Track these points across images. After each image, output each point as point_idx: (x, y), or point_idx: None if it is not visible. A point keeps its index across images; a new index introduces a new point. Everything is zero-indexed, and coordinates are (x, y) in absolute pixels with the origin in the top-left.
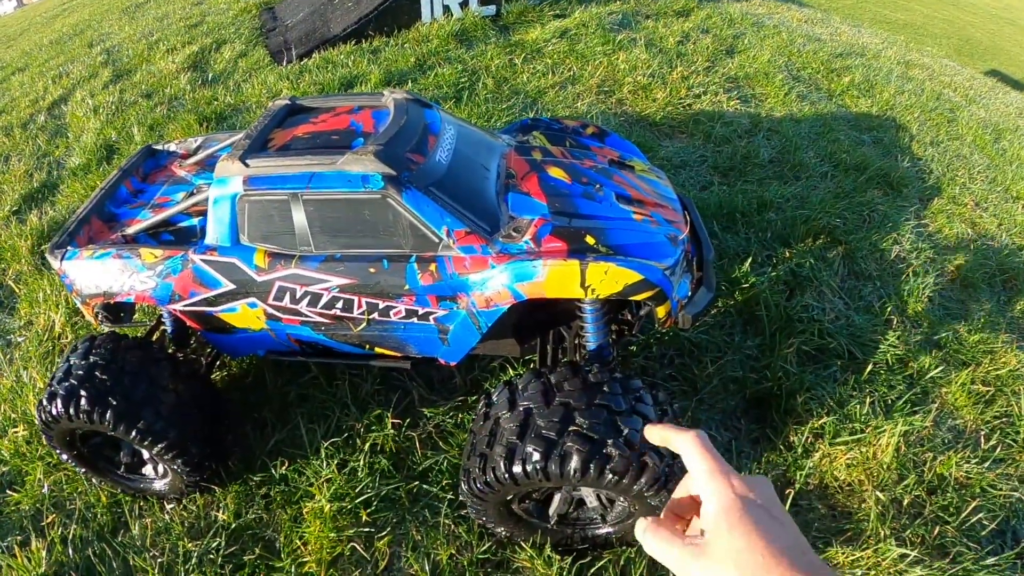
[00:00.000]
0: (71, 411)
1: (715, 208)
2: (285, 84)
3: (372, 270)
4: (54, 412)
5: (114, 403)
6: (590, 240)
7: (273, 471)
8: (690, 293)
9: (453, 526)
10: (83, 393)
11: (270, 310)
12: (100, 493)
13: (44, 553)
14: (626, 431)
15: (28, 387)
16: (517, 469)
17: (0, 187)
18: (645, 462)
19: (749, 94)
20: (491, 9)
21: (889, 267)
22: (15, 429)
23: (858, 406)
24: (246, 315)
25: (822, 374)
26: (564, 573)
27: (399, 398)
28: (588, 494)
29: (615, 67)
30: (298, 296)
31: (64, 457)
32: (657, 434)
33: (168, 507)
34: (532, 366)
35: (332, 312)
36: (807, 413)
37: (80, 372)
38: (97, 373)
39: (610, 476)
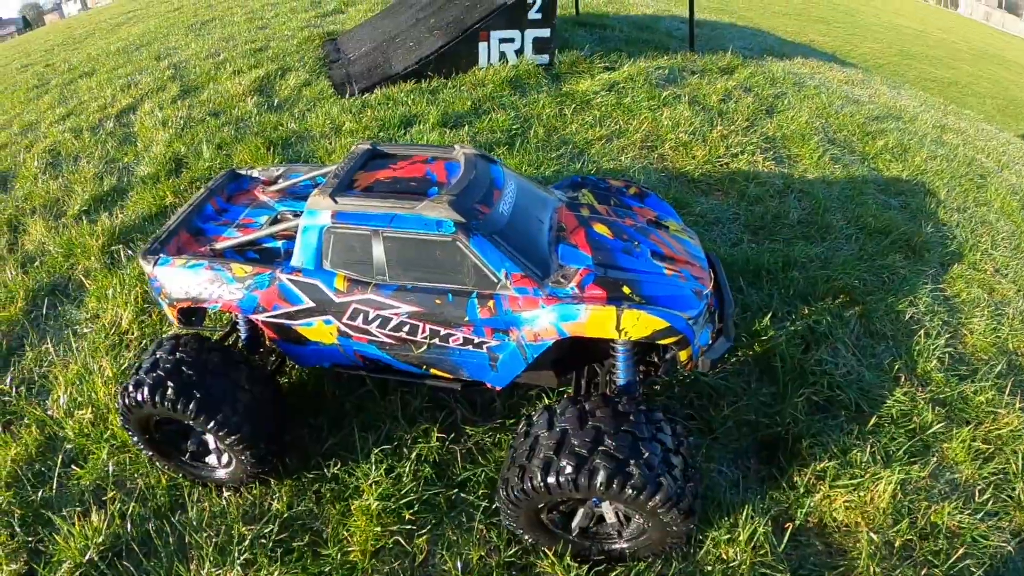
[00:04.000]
0: (157, 399)
1: (742, 265)
2: (348, 117)
3: (438, 301)
4: (139, 398)
5: (198, 396)
6: (626, 290)
7: (326, 470)
8: (710, 341)
9: (485, 531)
10: (170, 385)
11: (343, 328)
12: (161, 476)
13: (104, 524)
14: (647, 454)
15: (96, 375)
16: (551, 480)
17: (72, 186)
18: (660, 482)
19: (784, 155)
20: (544, 58)
21: (903, 328)
22: (81, 412)
23: (859, 454)
24: (320, 330)
25: (829, 423)
26: None
27: (444, 416)
28: (608, 511)
29: (659, 123)
30: (370, 318)
31: (135, 440)
32: None
33: (225, 494)
34: (566, 396)
35: (399, 334)
36: (811, 457)
37: (168, 366)
38: (184, 368)
39: (630, 491)
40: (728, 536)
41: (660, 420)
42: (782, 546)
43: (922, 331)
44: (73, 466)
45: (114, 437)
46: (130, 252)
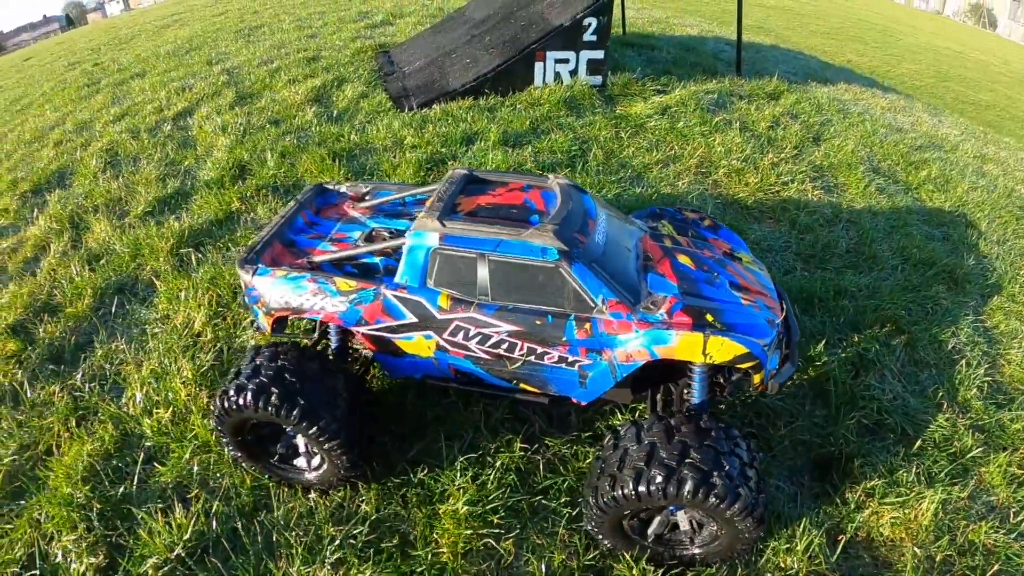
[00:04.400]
0: (260, 404)
1: (796, 292)
2: (409, 131)
3: (538, 322)
4: (240, 403)
5: (301, 403)
6: (709, 318)
7: (412, 476)
8: (778, 366)
9: (567, 536)
10: (274, 391)
11: (442, 343)
12: (245, 476)
13: (189, 522)
14: (727, 467)
15: (174, 375)
16: (642, 488)
17: (134, 187)
18: (739, 492)
19: (832, 184)
20: (598, 79)
21: (946, 357)
22: (159, 411)
23: (905, 474)
24: (420, 344)
25: (877, 444)
26: None
27: (525, 428)
28: (683, 518)
29: (711, 148)
30: (471, 335)
31: (225, 441)
32: None
33: (311, 496)
34: (637, 413)
35: (496, 351)
36: (861, 475)
37: (271, 372)
38: (286, 375)
39: (713, 500)
40: (787, 546)
41: (737, 436)
42: (835, 556)
43: (963, 360)
44: (154, 464)
45: (196, 437)
46: (200, 256)
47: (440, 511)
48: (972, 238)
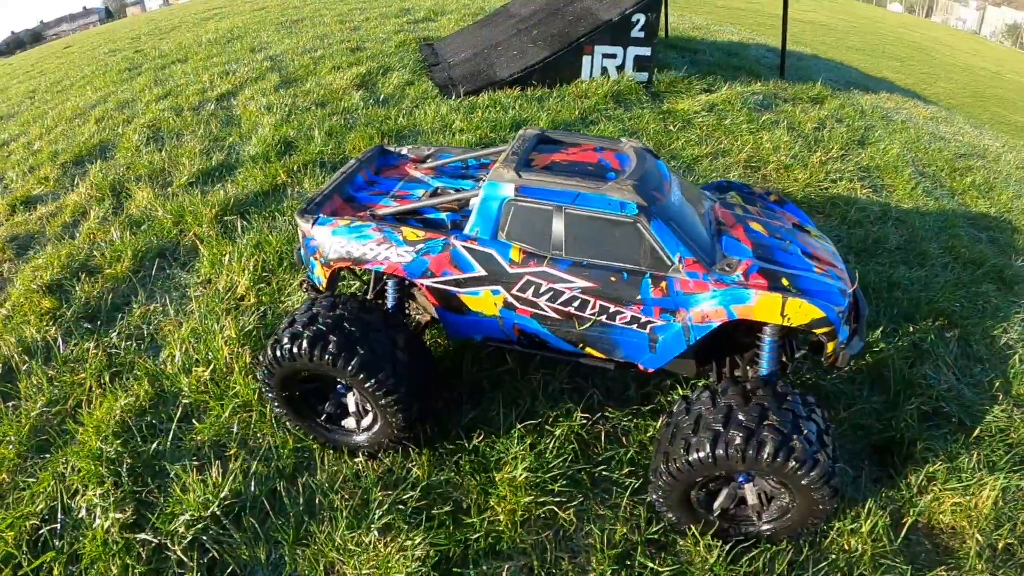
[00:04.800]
0: (316, 353)
1: None
2: (457, 116)
3: (613, 279)
4: (295, 351)
5: (361, 352)
6: (785, 282)
7: (466, 442)
8: (847, 340)
9: (629, 508)
10: (333, 339)
11: (511, 299)
12: (288, 437)
13: (226, 481)
14: (806, 431)
15: (217, 333)
16: (720, 451)
17: (178, 159)
18: (818, 458)
19: (880, 184)
20: (644, 76)
21: (998, 352)
22: (199, 368)
23: (966, 460)
24: (486, 300)
25: (936, 432)
26: (721, 559)
27: (584, 399)
28: (751, 492)
29: (760, 145)
30: (542, 291)
31: (271, 396)
32: None
33: (357, 460)
34: (724, 379)
35: (567, 309)
36: (923, 460)
37: (328, 321)
38: (346, 324)
39: (793, 464)
40: (852, 526)
41: (813, 403)
42: (898, 540)
43: (1015, 356)
44: (192, 421)
45: (236, 396)
46: (245, 223)
47: (496, 479)
48: (1019, 243)
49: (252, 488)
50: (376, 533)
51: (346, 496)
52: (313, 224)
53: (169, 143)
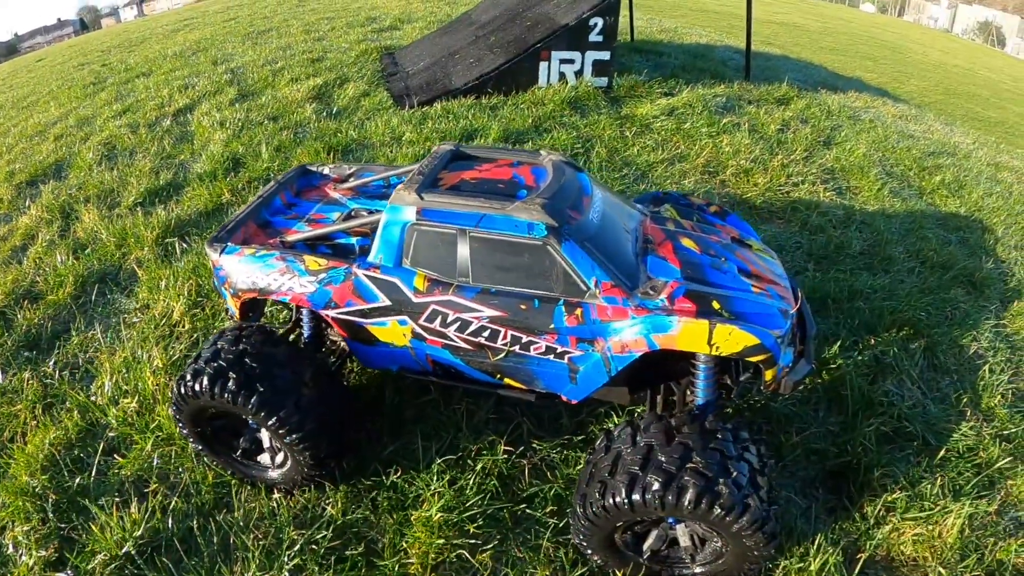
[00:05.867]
0: (215, 391)
1: (808, 292)
2: (408, 128)
3: (523, 307)
4: (197, 388)
5: (260, 390)
6: (716, 305)
7: (384, 478)
8: (792, 363)
9: (552, 550)
10: (232, 376)
11: (418, 330)
12: (208, 472)
13: (143, 517)
14: (735, 474)
15: (145, 364)
16: (636, 497)
17: (127, 179)
18: (748, 503)
19: (844, 186)
20: (603, 81)
21: (967, 363)
22: (126, 400)
23: (929, 486)
24: (394, 331)
25: (897, 454)
26: None
27: (511, 429)
28: (682, 533)
29: (719, 149)
30: (449, 320)
31: (185, 432)
32: None
33: (275, 495)
34: (649, 412)
35: (477, 340)
36: (881, 488)
37: (230, 356)
38: (247, 360)
39: (718, 511)
40: (799, 565)
41: (747, 439)
42: None
43: (986, 367)
44: (115, 455)
45: (160, 428)
46: (185, 245)
47: (412, 517)
48: (989, 243)
49: (170, 525)
50: (287, 574)
51: (259, 536)
52: (220, 253)
53: (122, 161)
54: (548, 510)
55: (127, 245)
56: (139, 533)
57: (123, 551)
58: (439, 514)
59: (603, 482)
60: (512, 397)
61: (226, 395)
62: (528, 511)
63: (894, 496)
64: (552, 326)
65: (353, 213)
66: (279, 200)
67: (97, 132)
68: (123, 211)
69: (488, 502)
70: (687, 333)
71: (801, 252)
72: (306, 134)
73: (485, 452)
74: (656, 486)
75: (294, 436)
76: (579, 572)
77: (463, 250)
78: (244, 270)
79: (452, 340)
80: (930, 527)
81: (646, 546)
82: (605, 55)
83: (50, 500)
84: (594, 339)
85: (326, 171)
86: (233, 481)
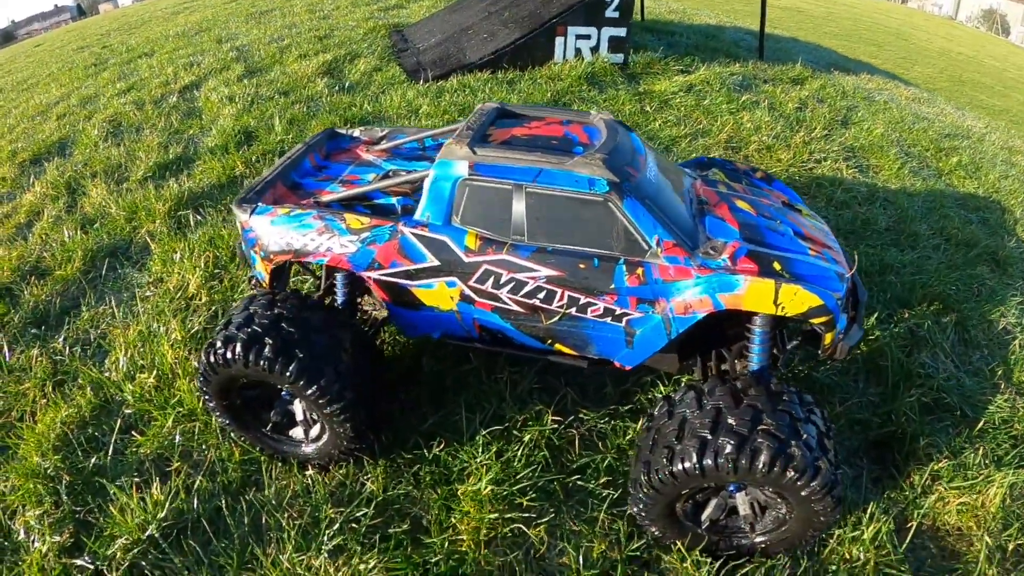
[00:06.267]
0: (251, 357)
1: None
2: (424, 101)
3: (582, 266)
4: (229, 356)
5: (300, 356)
6: (777, 266)
7: (425, 451)
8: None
9: (608, 522)
10: (268, 341)
11: (468, 291)
12: (234, 449)
13: (167, 498)
14: (805, 436)
15: (163, 337)
16: (708, 461)
17: (135, 153)
18: (819, 466)
19: (865, 164)
20: (619, 57)
21: (997, 338)
22: (143, 375)
23: (971, 456)
24: (440, 294)
25: (937, 426)
26: None
27: (556, 399)
28: (742, 501)
29: (740, 125)
30: (502, 281)
31: (211, 406)
32: None
33: (307, 473)
34: (711, 376)
35: (531, 301)
36: (927, 457)
37: (265, 321)
38: (284, 325)
39: (791, 474)
40: (853, 534)
41: (811, 403)
42: (903, 546)
43: (1015, 342)
44: (132, 433)
45: (180, 404)
46: (199, 217)
47: (459, 492)
48: (1009, 223)
49: (195, 506)
50: (327, 556)
51: (294, 515)
52: (251, 214)
53: (128, 137)
54: (601, 481)
55: (138, 219)
56: (163, 515)
57: (146, 534)
58: (489, 487)
59: (670, 447)
60: (563, 364)
61: (262, 362)
62: (580, 482)
63: (939, 465)
64: (612, 286)
65: (391, 173)
66: (308, 162)
67: (101, 110)
68: (132, 185)
69: (538, 474)
70: (754, 292)
71: (830, 226)
72: (319, 107)
73: (532, 422)
74: (729, 449)
75: (335, 406)
76: (635, 545)
77: (519, 207)
78: (277, 231)
79: (504, 303)
80: (974, 496)
81: (705, 515)
82: (621, 31)
83: (64, 482)
84: (655, 300)
85: (356, 133)
86: (262, 458)
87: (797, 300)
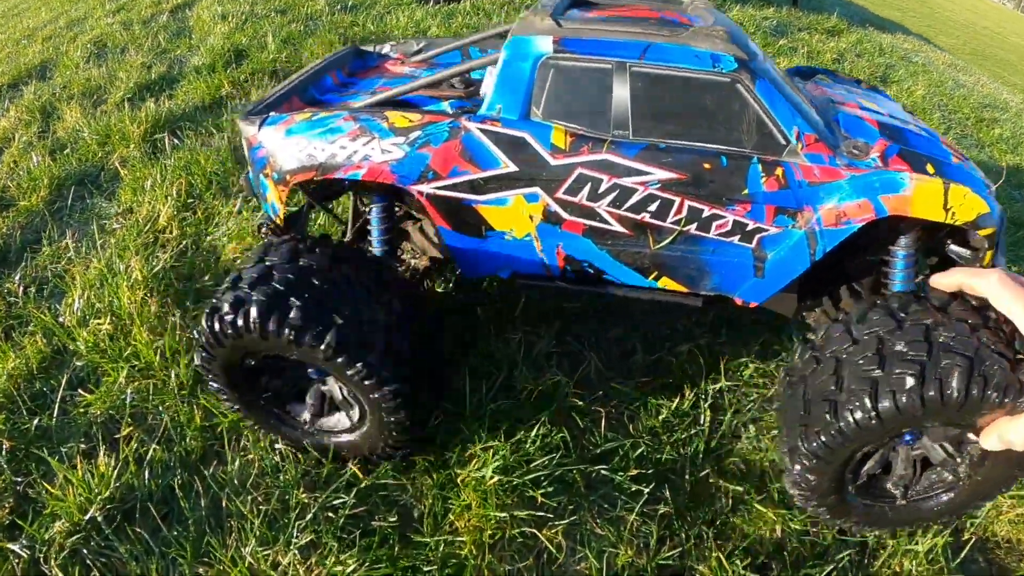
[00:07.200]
0: (271, 326)
1: None
2: (434, 23)
3: (707, 166)
4: (241, 323)
5: (339, 323)
6: (930, 169)
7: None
8: None
9: (637, 525)
10: (295, 303)
11: (553, 207)
12: (194, 411)
13: (113, 472)
14: (993, 346)
15: (122, 277)
16: (886, 403)
17: (116, 74)
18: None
19: None
20: None
21: None
22: (98, 320)
23: None
24: (516, 212)
25: None
26: None
27: (578, 367)
28: (931, 447)
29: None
30: (602, 190)
31: (216, 387)
32: (950, 281)
33: (277, 446)
34: (857, 302)
35: (638, 217)
36: None
37: (288, 277)
38: (315, 280)
39: (994, 395)
40: (907, 547)
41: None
42: (957, 560)
43: None
44: (80, 390)
45: (136, 356)
46: (176, 141)
47: (459, 479)
48: None
49: (147, 482)
50: (296, 553)
51: (260, 499)
52: (260, 126)
53: (112, 58)
54: (632, 473)
55: (111, 143)
56: (107, 494)
57: (87, 516)
58: (495, 476)
59: (830, 400)
60: (670, 302)
61: (287, 331)
62: (604, 472)
63: None
64: (746, 192)
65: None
66: (330, 79)
67: (87, 31)
68: (109, 108)
69: (557, 462)
70: (922, 194)
71: None
72: (318, 26)
73: (549, 395)
74: (911, 382)
75: (387, 388)
76: (668, 552)
77: (621, 92)
78: (296, 142)
79: (603, 221)
80: None
81: (893, 479)
82: None
83: (3, 447)
84: (799, 209)
85: (386, 49)
86: (225, 424)
87: (967, 204)
